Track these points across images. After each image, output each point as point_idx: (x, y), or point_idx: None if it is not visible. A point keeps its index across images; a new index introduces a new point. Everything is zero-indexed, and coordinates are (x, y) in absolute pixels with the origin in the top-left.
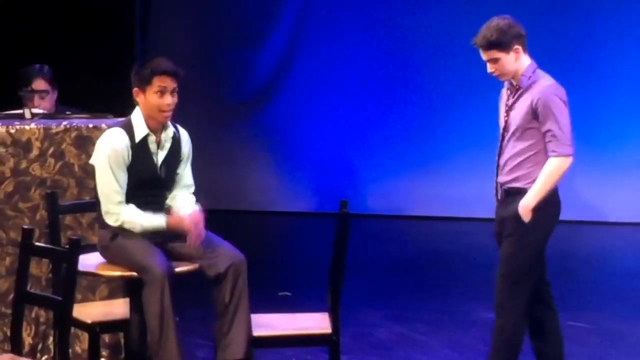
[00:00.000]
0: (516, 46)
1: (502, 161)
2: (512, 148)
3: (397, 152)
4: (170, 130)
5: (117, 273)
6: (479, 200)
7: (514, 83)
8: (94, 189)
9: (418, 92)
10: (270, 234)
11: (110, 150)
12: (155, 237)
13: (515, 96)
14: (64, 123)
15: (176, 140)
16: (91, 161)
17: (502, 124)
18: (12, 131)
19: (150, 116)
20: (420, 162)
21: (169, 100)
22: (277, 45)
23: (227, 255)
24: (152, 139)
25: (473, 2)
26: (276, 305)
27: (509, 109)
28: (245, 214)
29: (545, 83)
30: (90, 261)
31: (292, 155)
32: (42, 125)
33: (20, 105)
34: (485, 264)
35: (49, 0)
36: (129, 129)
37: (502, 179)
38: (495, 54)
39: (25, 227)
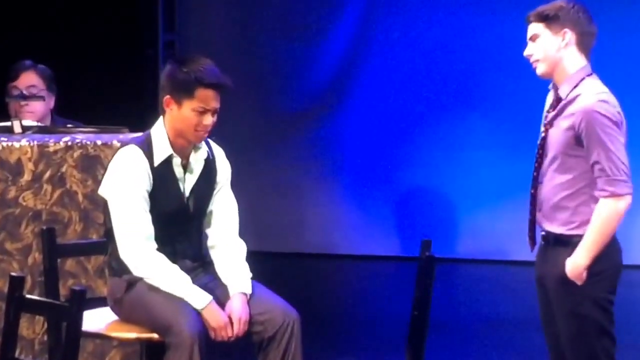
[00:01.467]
0: (566, 30)
1: (539, 195)
2: (550, 179)
3: (498, 179)
4: (202, 150)
5: (133, 335)
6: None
7: (558, 90)
8: (105, 225)
9: (523, 104)
10: (332, 283)
11: (126, 175)
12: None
13: (557, 109)
14: (65, 139)
15: (209, 162)
16: (101, 191)
17: (539, 141)
18: None
19: (179, 133)
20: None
21: (210, 120)
22: (341, 41)
23: (277, 314)
24: (176, 161)
25: None
26: None
27: (549, 124)
28: (300, 257)
29: (591, 97)
30: (98, 319)
31: (362, 182)
32: (36, 142)
33: (6, 115)
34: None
35: None
36: (147, 148)
37: (539, 219)
38: (538, 28)
39: (13, 274)
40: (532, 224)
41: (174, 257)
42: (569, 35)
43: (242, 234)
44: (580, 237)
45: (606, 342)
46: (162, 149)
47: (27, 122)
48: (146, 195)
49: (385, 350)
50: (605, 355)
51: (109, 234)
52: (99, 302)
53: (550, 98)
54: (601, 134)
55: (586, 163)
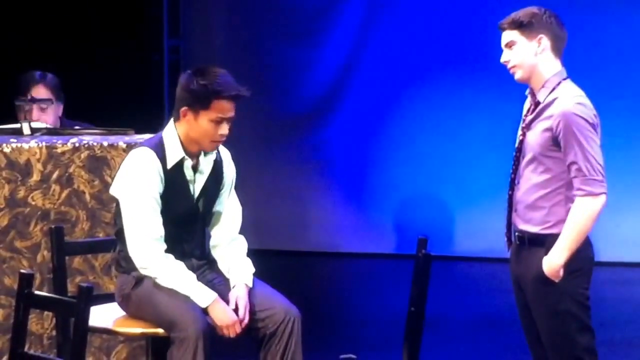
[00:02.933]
0: (541, 36)
1: (515, 195)
2: (527, 180)
3: (493, 178)
4: (211, 152)
5: (139, 330)
6: (597, 240)
7: (535, 93)
8: (115, 224)
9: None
10: (331, 281)
11: (139, 177)
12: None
13: (534, 112)
14: (72, 140)
15: (217, 164)
16: (112, 191)
17: (517, 145)
18: (7, 150)
19: (194, 141)
20: None
21: (226, 129)
22: (340, 47)
23: (278, 311)
24: (187, 163)
25: None
26: None
27: (526, 126)
28: (301, 255)
29: (568, 100)
30: (105, 315)
31: (361, 183)
32: (44, 144)
33: (17, 119)
34: (597, 319)
35: None
36: (160, 151)
37: (514, 219)
38: (514, 35)
39: (23, 271)
40: (510, 224)
41: (182, 256)
42: (545, 41)
43: (243, 231)
44: (555, 236)
45: (586, 336)
46: (174, 152)
47: (35, 124)
48: (157, 197)
49: (382, 345)
50: (586, 350)
51: (119, 233)
52: (106, 298)
53: (527, 103)
54: (578, 135)
55: (562, 164)
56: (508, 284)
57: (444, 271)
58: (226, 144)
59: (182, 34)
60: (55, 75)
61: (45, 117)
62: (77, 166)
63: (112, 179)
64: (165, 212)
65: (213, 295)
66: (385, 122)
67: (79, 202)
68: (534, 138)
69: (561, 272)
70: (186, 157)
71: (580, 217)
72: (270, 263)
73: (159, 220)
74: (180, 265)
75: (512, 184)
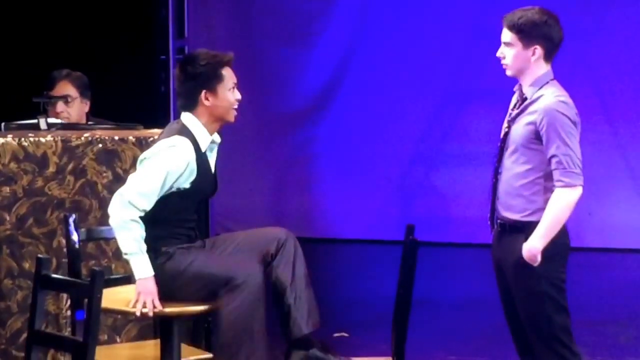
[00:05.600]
0: (536, 46)
1: (498, 184)
2: (509, 170)
3: (478, 170)
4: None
5: (146, 309)
6: (573, 225)
7: (523, 90)
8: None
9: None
10: (324, 265)
11: (178, 161)
12: None
13: (520, 108)
14: (86, 135)
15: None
16: (147, 154)
17: (502, 136)
18: (25, 144)
19: (217, 118)
20: None
21: (239, 94)
22: (335, 43)
23: (272, 235)
24: (212, 145)
25: None
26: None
27: (512, 120)
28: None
29: (551, 98)
30: (116, 296)
31: (352, 174)
32: (60, 137)
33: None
34: (573, 301)
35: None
36: (193, 141)
37: (497, 206)
38: (512, 38)
39: (40, 256)
40: (493, 209)
41: (194, 235)
42: (539, 51)
43: (239, 220)
44: (534, 223)
45: (562, 316)
46: (203, 138)
47: (51, 120)
48: (170, 184)
49: (373, 325)
50: (562, 329)
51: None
52: (117, 281)
53: (515, 98)
54: (560, 131)
55: (542, 156)
56: (490, 268)
57: (430, 256)
58: (225, 138)
59: (187, 36)
60: (83, 74)
61: (69, 111)
62: (90, 158)
63: (123, 170)
64: (198, 195)
65: (151, 272)
66: (375, 118)
67: (91, 192)
68: (518, 131)
69: (539, 257)
70: (213, 139)
71: (558, 207)
72: None
73: (154, 200)
74: (142, 233)
75: (496, 173)
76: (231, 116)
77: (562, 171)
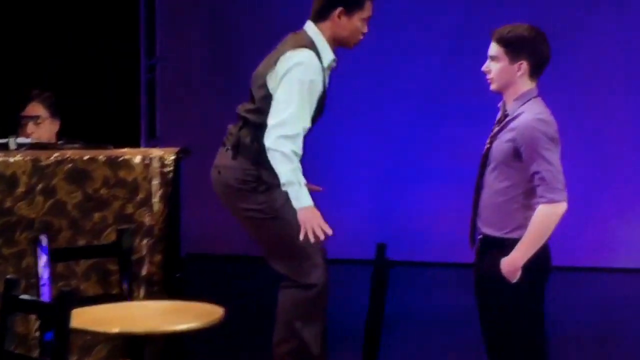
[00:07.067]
0: (522, 62)
1: (479, 200)
2: (489, 186)
3: (447, 188)
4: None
5: (116, 330)
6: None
7: (506, 106)
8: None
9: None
10: None
11: (314, 76)
12: None
13: (501, 124)
14: (56, 154)
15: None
16: (281, 74)
17: (484, 152)
18: None
19: (343, 40)
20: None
21: (366, 29)
22: None
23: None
24: (332, 63)
25: None
26: None
27: (493, 137)
28: (257, 261)
29: (530, 115)
30: (86, 316)
31: (322, 192)
32: (29, 157)
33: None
34: (550, 317)
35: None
36: (317, 53)
37: (478, 223)
38: (499, 51)
39: (8, 276)
40: (473, 225)
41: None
42: (525, 66)
43: (204, 238)
44: (513, 240)
45: (538, 332)
46: (326, 53)
47: (21, 140)
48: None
49: (344, 345)
50: (538, 345)
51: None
52: (86, 301)
53: (499, 115)
54: (540, 149)
55: (522, 174)
56: (461, 287)
57: (401, 275)
58: (201, 154)
59: (158, 55)
60: (52, 94)
61: (40, 132)
62: (60, 178)
63: (93, 190)
64: (318, 113)
65: (310, 201)
66: (347, 135)
67: (61, 212)
68: (498, 148)
69: (519, 273)
70: (334, 58)
71: (542, 222)
72: (228, 269)
73: (309, 118)
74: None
75: (477, 190)
76: (352, 43)
77: (545, 187)
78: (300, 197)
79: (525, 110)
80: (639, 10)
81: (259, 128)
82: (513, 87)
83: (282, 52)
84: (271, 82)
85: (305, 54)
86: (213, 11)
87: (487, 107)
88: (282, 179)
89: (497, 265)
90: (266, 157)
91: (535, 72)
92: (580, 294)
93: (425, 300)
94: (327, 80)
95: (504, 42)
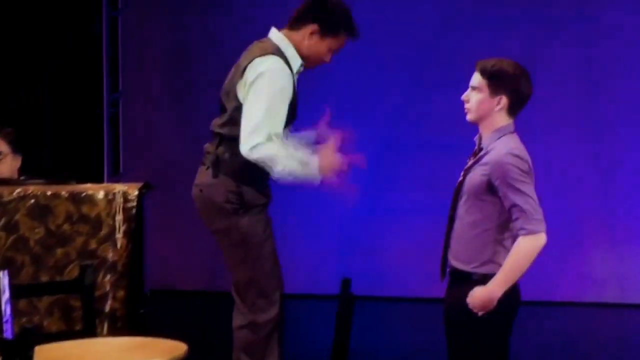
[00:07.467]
0: (502, 96)
1: (451, 232)
2: (461, 220)
3: (414, 223)
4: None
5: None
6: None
7: (481, 140)
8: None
9: (447, 152)
10: None
11: (283, 82)
12: None
13: (476, 157)
14: (18, 190)
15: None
16: (252, 77)
17: (457, 185)
18: None
19: (304, 55)
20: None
21: (329, 59)
22: None
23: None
24: (301, 69)
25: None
26: None
27: (468, 170)
28: (220, 296)
29: (504, 151)
30: (49, 353)
31: (283, 222)
32: None
33: None
34: (515, 350)
35: None
36: (284, 59)
37: (448, 255)
38: (481, 83)
39: None
40: (444, 258)
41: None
42: (504, 101)
43: (179, 272)
44: (480, 275)
45: None
46: (294, 60)
47: None
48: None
49: None
50: None
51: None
52: (49, 338)
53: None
54: (515, 182)
55: (494, 208)
56: (427, 321)
57: (367, 310)
58: (167, 187)
59: (121, 89)
60: (14, 129)
61: (1, 168)
62: (23, 214)
63: (56, 226)
64: (290, 119)
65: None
66: None
67: (24, 247)
68: (471, 181)
69: (493, 305)
70: (302, 62)
71: (522, 254)
72: (189, 305)
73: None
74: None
75: (450, 222)
76: (310, 65)
77: (524, 219)
78: (308, 176)
79: (500, 145)
80: None
81: (235, 141)
82: (490, 119)
83: (250, 60)
84: (241, 92)
85: (274, 60)
86: (176, 45)
87: (456, 141)
88: (283, 179)
89: (464, 298)
90: (248, 172)
91: (513, 109)
92: (543, 328)
93: (391, 335)
94: (296, 85)
95: (487, 75)
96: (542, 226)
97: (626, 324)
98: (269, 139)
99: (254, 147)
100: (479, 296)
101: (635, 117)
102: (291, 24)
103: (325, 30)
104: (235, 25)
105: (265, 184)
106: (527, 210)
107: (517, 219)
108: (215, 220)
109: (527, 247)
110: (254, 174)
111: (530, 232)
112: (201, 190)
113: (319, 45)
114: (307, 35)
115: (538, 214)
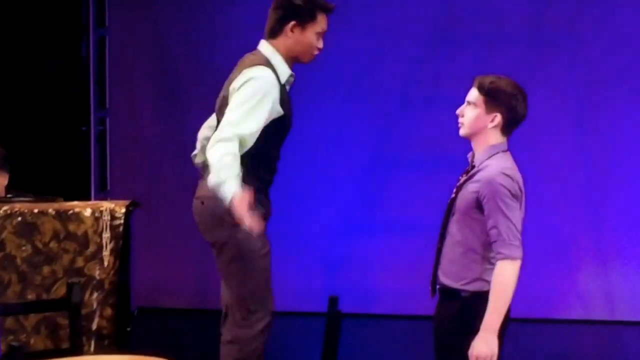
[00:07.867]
0: (497, 114)
1: (442, 249)
2: (451, 237)
3: (401, 240)
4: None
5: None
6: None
7: (474, 157)
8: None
9: (434, 170)
10: None
11: (267, 89)
12: None
13: (468, 175)
14: (5, 208)
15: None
16: (238, 85)
17: (449, 202)
18: None
19: (296, 56)
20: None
21: (322, 44)
22: None
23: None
24: (290, 79)
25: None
26: None
27: (459, 187)
28: (207, 314)
29: (496, 170)
30: None
31: (270, 239)
32: None
33: None
34: None
35: None
36: (273, 70)
37: (438, 271)
38: (478, 99)
39: None
40: (434, 275)
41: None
42: (498, 119)
43: (167, 291)
44: (469, 292)
45: None
46: (283, 70)
47: None
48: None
49: None
50: None
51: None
52: (36, 356)
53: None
54: (500, 203)
55: (482, 226)
56: (415, 339)
57: (354, 328)
58: (151, 203)
59: (109, 107)
60: (0, 147)
61: None
62: (9, 232)
63: (42, 244)
64: (285, 130)
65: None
66: (297, 185)
67: (10, 265)
68: (463, 198)
69: (495, 346)
70: (292, 73)
71: (502, 281)
72: (184, 322)
73: (256, 134)
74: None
75: (441, 239)
76: (307, 58)
77: (502, 243)
78: (222, 196)
79: (492, 163)
80: None
81: None
82: (482, 136)
83: (240, 72)
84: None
85: (260, 69)
86: (163, 64)
87: (447, 158)
88: (210, 182)
89: (452, 315)
90: (249, 182)
91: (507, 128)
92: (530, 345)
93: (379, 353)
94: (288, 96)
95: (484, 91)
96: (519, 252)
97: (614, 341)
98: (231, 137)
99: (219, 140)
100: (477, 347)
101: (625, 135)
102: (270, 34)
103: (303, 21)
104: (222, 44)
105: (265, 196)
106: (505, 234)
107: (494, 241)
108: (216, 232)
109: (505, 273)
110: (255, 185)
111: (507, 257)
112: (202, 203)
113: (305, 37)
114: (289, 34)
115: (516, 240)
